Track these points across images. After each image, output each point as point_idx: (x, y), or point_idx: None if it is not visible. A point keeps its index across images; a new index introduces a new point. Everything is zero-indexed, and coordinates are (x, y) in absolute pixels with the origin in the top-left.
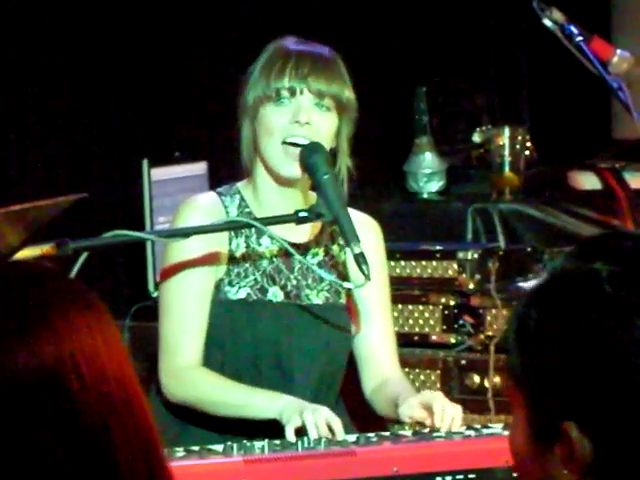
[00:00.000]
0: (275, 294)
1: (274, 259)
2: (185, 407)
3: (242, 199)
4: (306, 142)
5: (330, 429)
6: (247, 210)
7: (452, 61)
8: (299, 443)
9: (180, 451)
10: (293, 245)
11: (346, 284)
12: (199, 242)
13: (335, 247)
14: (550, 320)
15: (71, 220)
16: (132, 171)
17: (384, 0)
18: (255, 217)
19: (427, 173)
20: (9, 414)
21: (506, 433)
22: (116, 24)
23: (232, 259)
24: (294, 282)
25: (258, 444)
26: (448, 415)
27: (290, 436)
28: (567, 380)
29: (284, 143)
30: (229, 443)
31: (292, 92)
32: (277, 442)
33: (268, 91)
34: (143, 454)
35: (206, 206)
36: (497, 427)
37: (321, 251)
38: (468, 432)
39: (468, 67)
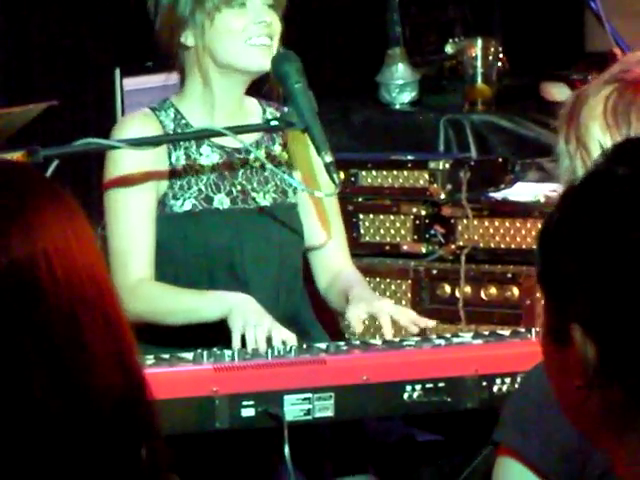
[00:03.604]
0: (221, 201)
1: (216, 167)
2: (144, 326)
3: (177, 112)
4: (268, 42)
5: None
6: (183, 122)
7: None
8: (269, 351)
9: (150, 359)
10: (234, 150)
11: (317, 193)
12: (138, 157)
13: (276, 147)
14: (566, 220)
15: (43, 128)
16: (104, 81)
17: None
18: (195, 128)
19: (399, 84)
20: None
21: (476, 342)
22: None
23: (173, 172)
24: (239, 187)
25: (228, 352)
26: (402, 320)
27: (236, 344)
28: (577, 281)
29: (247, 44)
30: (199, 351)
31: None
32: (247, 350)
33: None
34: (115, 350)
35: (141, 123)
36: (467, 336)
37: (262, 153)
38: (438, 341)
39: None
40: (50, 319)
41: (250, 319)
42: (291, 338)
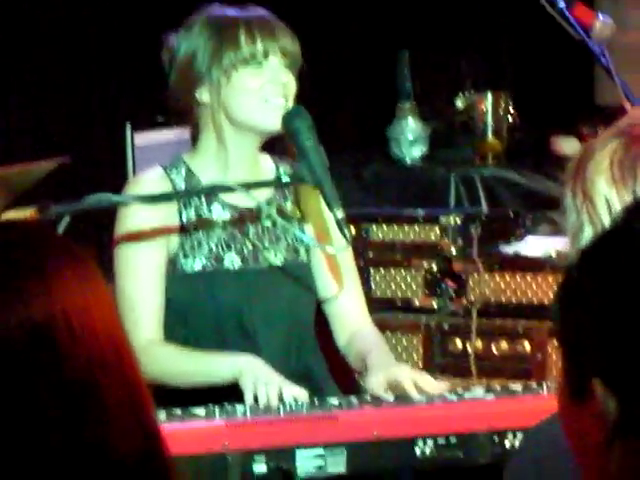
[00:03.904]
0: (232, 261)
1: (227, 225)
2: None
3: (188, 169)
4: (283, 102)
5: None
6: (195, 180)
7: (435, 26)
8: (281, 407)
9: (162, 413)
10: (245, 210)
11: (329, 248)
12: (149, 215)
13: (289, 204)
14: (587, 276)
15: (54, 185)
16: (116, 136)
17: None
18: (206, 184)
19: (410, 139)
20: None
21: (488, 397)
22: None
23: (184, 231)
24: (250, 246)
25: (240, 407)
26: (425, 386)
27: (249, 403)
28: (596, 336)
29: (264, 103)
30: (211, 406)
31: (266, 54)
32: (259, 406)
33: (241, 55)
34: (133, 410)
35: (152, 181)
36: (479, 391)
37: (274, 211)
38: (450, 396)
39: (451, 32)
40: (68, 379)
41: (260, 377)
42: (302, 395)
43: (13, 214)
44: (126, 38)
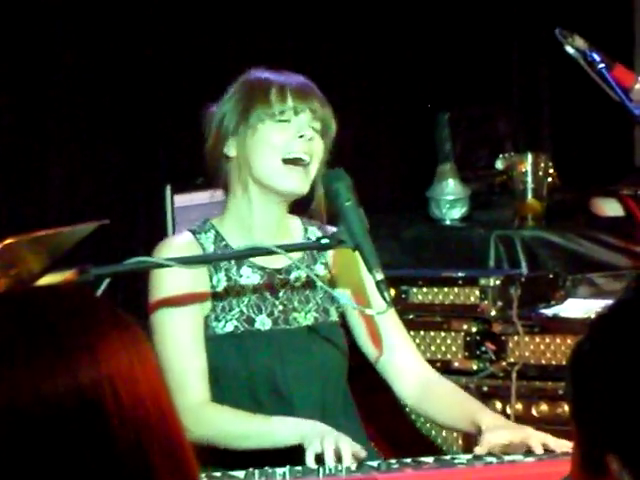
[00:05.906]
0: (263, 322)
1: (257, 288)
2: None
3: (217, 233)
4: (306, 158)
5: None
6: (223, 243)
7: (475, 88)
8: (320, 470)
9: (202, 477)
10: (274, 271)
11: (368, 311)
12: (183, 280)
13: (318, 266)
14: (600, 350)
15: (94, 246)
16: (155, 197)
17: (406, 27)
18: (244, 246)
19: (450, 200)
20: (48, 436)
21: (528, 460)
22: (138, 49)
23: (215, 294)
24: (280, 307)
25: (279, 470)
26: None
27: (310, 461)
28: (611, 412)
29: (285, 161)
30: (251, 469)
31: (296, 111)
32: (298, 468)
33: (270, 110)
34: (180, 476)
35: (182, 246)
36: (519, 454)
37: (303, 273)
38: (490, 459)
39: (491, 94)
40: (115, 445)
41: (327, 435)
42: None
43: (53, 277)
44: (168, 103)
